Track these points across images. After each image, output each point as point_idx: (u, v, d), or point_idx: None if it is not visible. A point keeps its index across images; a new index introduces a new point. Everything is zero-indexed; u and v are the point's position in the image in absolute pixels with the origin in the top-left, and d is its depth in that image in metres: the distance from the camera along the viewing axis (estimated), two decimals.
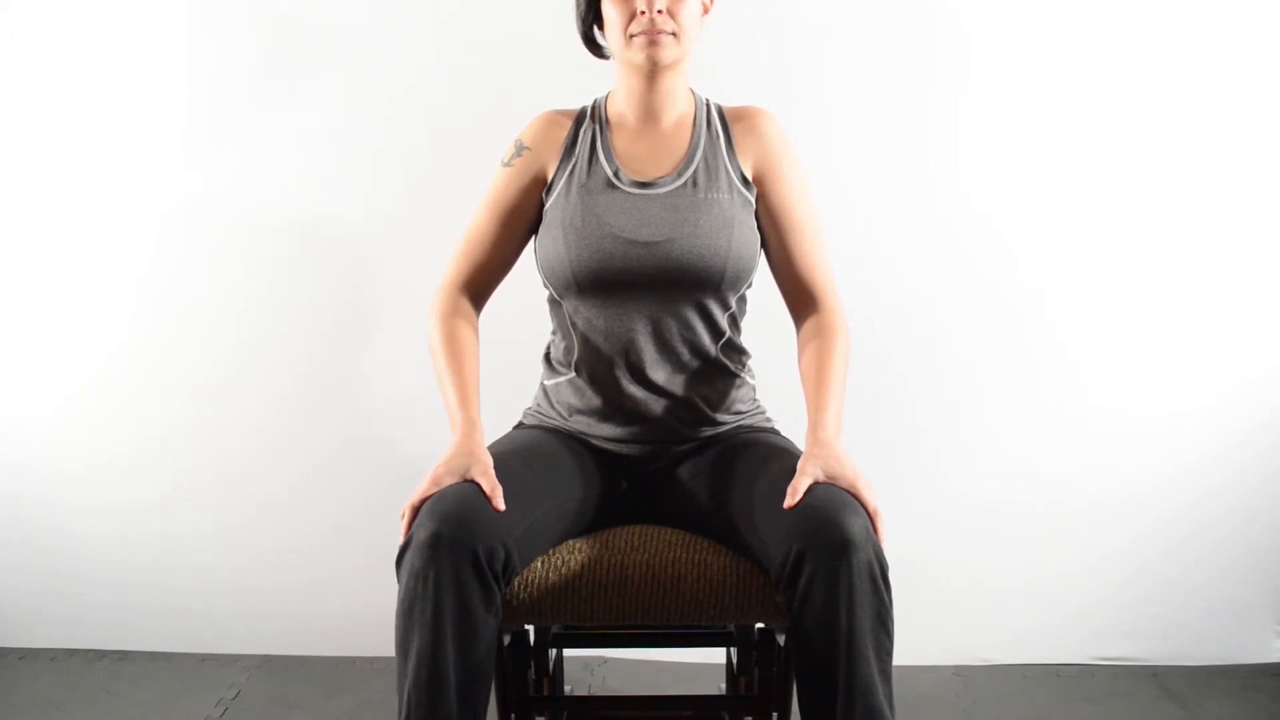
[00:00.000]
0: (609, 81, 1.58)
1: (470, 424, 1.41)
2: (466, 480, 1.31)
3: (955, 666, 2.28)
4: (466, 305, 1.55)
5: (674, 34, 1.45)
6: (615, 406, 1.51)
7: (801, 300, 1.53)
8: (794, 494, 1.28)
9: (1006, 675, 2.26)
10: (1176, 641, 2.30)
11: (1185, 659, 2.29)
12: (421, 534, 1.24)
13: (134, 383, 2.33)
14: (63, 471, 2.36)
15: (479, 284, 1.56)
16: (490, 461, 1.35)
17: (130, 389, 2.33)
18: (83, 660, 2.35)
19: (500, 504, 1.29)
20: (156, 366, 2.32)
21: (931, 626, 2.24)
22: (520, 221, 1.54)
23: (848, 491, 1.29)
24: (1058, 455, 2.27)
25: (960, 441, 2.28)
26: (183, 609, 2.37)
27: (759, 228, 1.53)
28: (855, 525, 1.23)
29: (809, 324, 1.52)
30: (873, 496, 1.30)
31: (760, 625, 1.52)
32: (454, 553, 1.23)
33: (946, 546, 2.27)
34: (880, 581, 1.25)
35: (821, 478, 1.31)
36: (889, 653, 1.26)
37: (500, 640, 1.43)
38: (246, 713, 2.12)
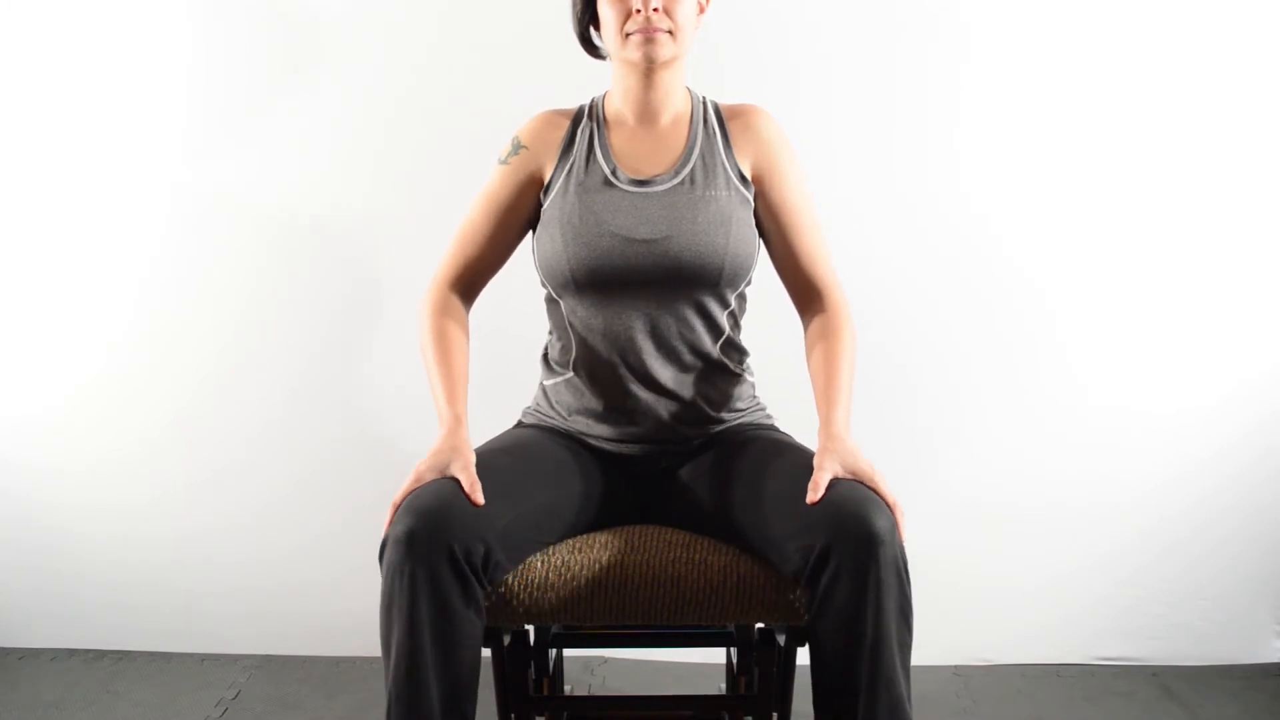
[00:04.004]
0: (607, 80, 1.58)
1: (455, 419, 1.41)
2: (447, 476, 1.32)
3: (955, 666, 2.28)
4: (457, 301, 1.56)
5: (670, 32, 1.45)
6: (614, 406, 1.51)
7: (807, 296, 1.54)
8: (816, 489, 1.28)
9: (1006, 675, 2.26)
10: (1176, 641, 2.30)
11: (1185, 659, 2.29)
12: (397, 530, 1.25)
13: (135, 383, 2.33)
14: (63, 471, 2.36)
15: (470, 280, 1.57)
16: (472, 457, 1.35)
17: (131, 389, 2.33)
18: (83, 660, 2.35)
19: (479, 499, 1.29)
20: (157, 366, 2.32)
21: (931, 626, 2.23)
22: (514, 219, 1.55)
23: (867, 486, 1.30)
24: (1058, 455, 2.27)
25: (961, 442, 2.28)
26: (183, 609, 2.37)
27: (761, 226, 1.54)
28: (882, 521, 1.24)
29: (815, 319, 1.52)
30: (890, 490, 1.31)
31: (760, 625, 1.52)
32: (429, 549, 1.24)
33: (946, 546, 2.27)
34: (904, 576, 1.26)
35: (840, 472, 1.31)
36: (909, 648, 1.28)
37: (500, 639, 1.43)
38: (246, 713, 2.12)
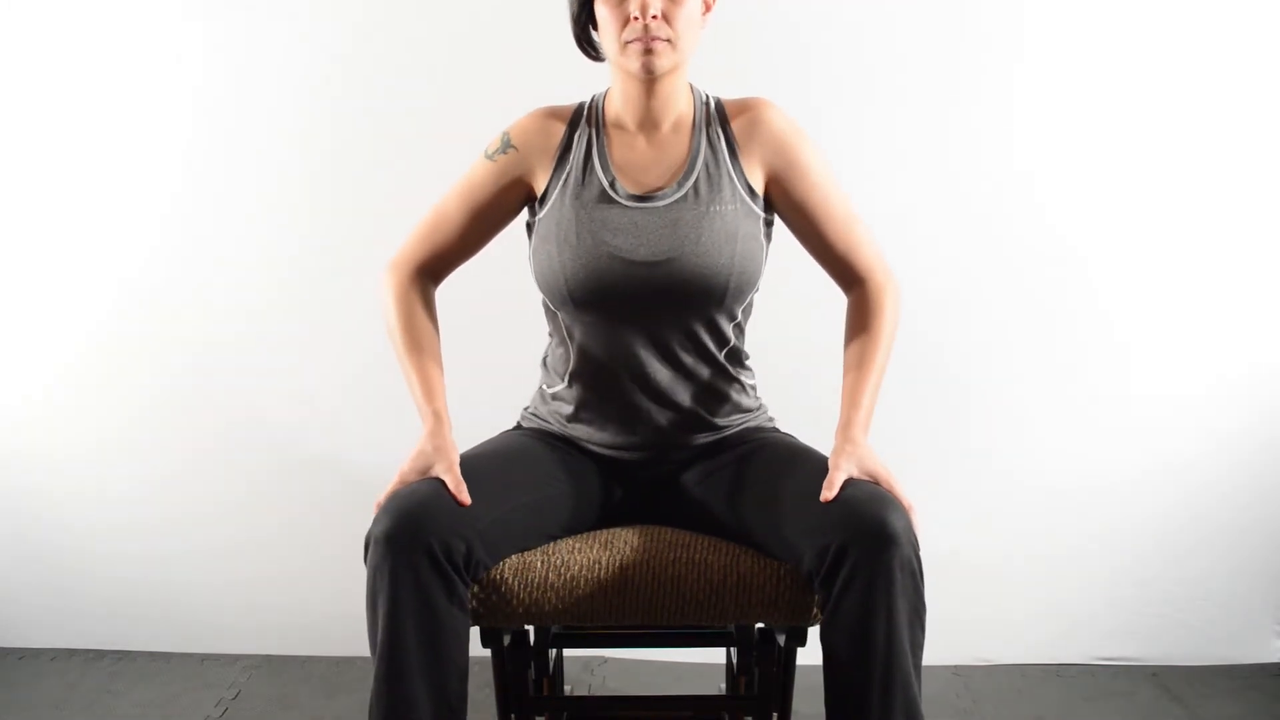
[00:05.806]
0: (589, 78, 1.54)
1: (436, 417, 1.41)
2: (431, 477, 1.33)
3: (955, 666, 2.28)
4: (423, 284, 1.53)
5: (669, 40, 1.37)
6: (615, 415, 1.49)
7: (848, 280, 1.51)
8: (830, 487, 1.29)
9: (1006, 675, 2.26)
10: (1176, 641, 2.29)
11: (1185, 659, 2.29)
12: (376, 530, 1.27)
13: (135, 385, 2.33)
14: (63, 472, 2.36)
15: (436, 268, 1.54)
16: (455, 457, 1.36)
17: (133, 392, 2.33)
18: (83, 660, 2.35)
19: (465, 498, 1.30)
20: (156, 365, 2.32)
21: (932, 626, 2.22)
22: (490, 216, 1.51)
23: (882, 487, 1.31)
24: (1057, 460, 2.27)
25: (958, 445, 2.27)
26: (183, 609, 2.37)
27: (790, 223, 1.49)
28: (898, 521, 1.24)
29: (857, 303, 1.49)
30: (905, 493, 1.31)
31: (760, 625, 1.52)
32: (408, 548, 1.25)
33: (945, 547, 2.27)
34: (918, 578, 1.27)
35: (856, 473, 1.32)
36: (921, 648, 1.30)
37: (500, 639, 1.43)
38: (246, 713, 2.12)
